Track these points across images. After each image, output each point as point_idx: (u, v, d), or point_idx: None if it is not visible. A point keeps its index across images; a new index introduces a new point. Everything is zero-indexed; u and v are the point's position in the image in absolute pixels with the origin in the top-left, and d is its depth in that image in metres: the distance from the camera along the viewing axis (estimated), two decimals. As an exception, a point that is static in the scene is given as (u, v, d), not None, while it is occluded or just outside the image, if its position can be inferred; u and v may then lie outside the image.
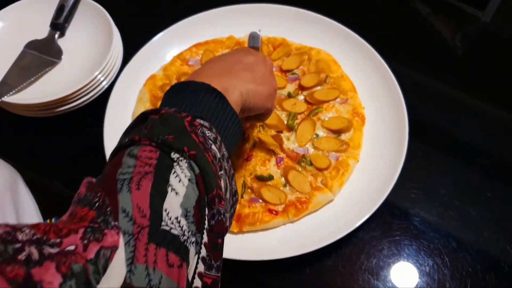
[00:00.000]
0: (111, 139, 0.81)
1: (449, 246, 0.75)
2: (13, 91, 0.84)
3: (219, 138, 0.50)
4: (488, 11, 1.07)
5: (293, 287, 0.70)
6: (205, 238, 0.42)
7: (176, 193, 0.41)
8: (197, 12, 0.96)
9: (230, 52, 0.72)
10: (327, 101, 0.85)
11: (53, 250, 0.33)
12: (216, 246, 0.43)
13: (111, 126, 0.83)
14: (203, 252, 0.41)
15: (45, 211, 0.86)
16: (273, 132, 0.83)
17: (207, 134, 0.48)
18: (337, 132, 0.83)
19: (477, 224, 0.77)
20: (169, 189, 0.41)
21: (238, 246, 0.71)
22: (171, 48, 0.94)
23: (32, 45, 0.91)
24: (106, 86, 0.88)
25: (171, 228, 0.39)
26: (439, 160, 0.76)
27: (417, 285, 0.72)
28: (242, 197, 0.76)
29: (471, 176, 0.83)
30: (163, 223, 0.38)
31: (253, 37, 0.74)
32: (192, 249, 0.40)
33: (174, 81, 0.87)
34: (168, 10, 1.07)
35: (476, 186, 0.81)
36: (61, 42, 0.93)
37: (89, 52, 0.91)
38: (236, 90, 0.56)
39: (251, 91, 0.58)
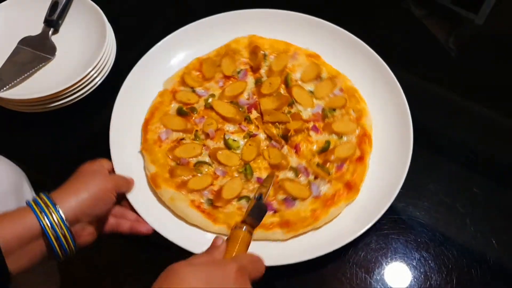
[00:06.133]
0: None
1: (436, 240, 0.76)
2: (7, 87, 0.85)
3: None
4: (481, 14, 1.09)
5: (278, 280, 0.70)
6: None
7: None
8: (189, 8, 0.95)
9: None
10: (285, 65, 0.90)
11: None
12: None
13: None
14: None
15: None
16: (286, 112, 0.85)
17: None
18: (318, 77, 0.89)
19: (463, 219, 0.78)
20: None
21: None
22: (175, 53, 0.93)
23: (26, 42, 0.92)
24: (99, 82, 0.89)
25: None
26: (427, 157, 0.77)
27: (404, 278, 0.73)
28: (329, 174, 0.78)
29: (458, 172, 0.84)
30: None
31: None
32: None
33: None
34: (161, 8, 1.07)
35: (463, 182, 0.83)
36: (55, 39, 0.94)
37: (82, 48, 0.92)
38: None
39: None
